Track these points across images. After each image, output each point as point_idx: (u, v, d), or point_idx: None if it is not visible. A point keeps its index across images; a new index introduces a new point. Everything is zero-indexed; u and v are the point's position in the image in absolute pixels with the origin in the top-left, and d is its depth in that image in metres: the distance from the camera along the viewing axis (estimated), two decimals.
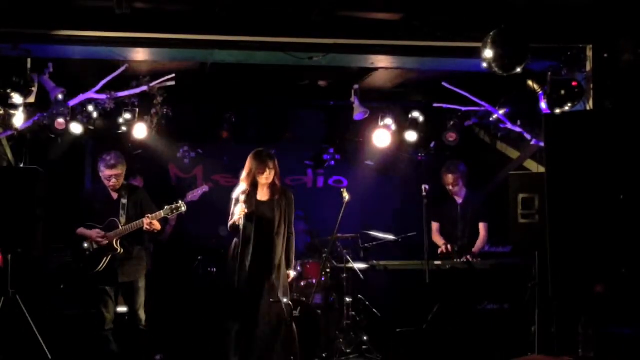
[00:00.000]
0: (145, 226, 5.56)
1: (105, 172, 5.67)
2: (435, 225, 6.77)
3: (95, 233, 5.61)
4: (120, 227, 5.62)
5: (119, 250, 5.61)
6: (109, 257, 5.61)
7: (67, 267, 6.26)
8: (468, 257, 6.35)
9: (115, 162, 5.66)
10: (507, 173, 5.99)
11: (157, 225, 5.66)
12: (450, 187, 6.67)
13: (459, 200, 6.73)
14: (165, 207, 5.63)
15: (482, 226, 6.62)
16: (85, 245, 5.63)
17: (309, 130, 7.97)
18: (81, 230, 5.68)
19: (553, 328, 5.15)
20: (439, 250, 6.56)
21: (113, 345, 5.67)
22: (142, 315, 5.71)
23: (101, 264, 5.60)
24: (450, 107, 6.93)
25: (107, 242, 5.58)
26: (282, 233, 5.41)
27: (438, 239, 6.71)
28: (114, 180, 5.67)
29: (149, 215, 5.58)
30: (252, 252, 5.26)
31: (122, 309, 5.88)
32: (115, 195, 5.76)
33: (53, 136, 6.34)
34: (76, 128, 6.34)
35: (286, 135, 8.10)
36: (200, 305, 6.98)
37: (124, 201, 5.71)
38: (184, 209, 5.64)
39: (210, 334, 6.60)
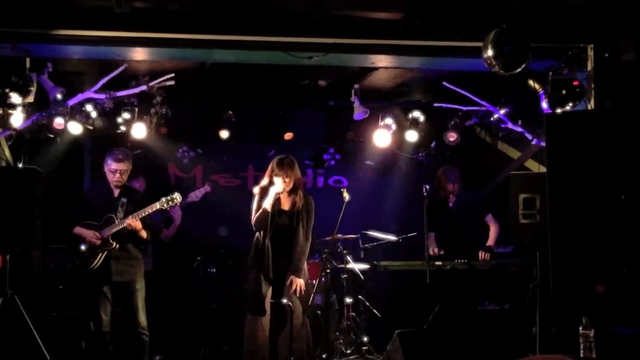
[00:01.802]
0: (127, 224, 5.53)
1: (112, 166, 5.65)
2: (431, 235, 6.71)
3: (91, 234, 5.58)
4: (115, 222, 5.60)
5: (114, 245, 5.56)
6: (104, 253, 5.56)
7: (66, 267, 6.23)
8: (484, 253, 6.33)
9: (123, 157, 5.66)
10: (508, 173, 5.97)
11: (141, 230, 5.58)
12: (451, 195, 6.68)
13: (450, 204, 6.72)
14: (161, 199, 5.59)
15: (488, 218, 6.64)
16: (82, 245, 5.61)
17: (309, 130, 7.95)
18: (78, 230, 5.65)
19: (554, 328, 5.13)
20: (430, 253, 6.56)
21: (110, 347, 5.63)
22: (141, 318, 5.59)
23: (96, 261, 5.55)
24: (451, 107, 6.92)
25: (100, 241, 5.56)
26: (300, 241, 5.34)
27: (432, 248, 6.71)
28: (118, 175, 5.65)
29: (134, 214, 5.54)
30: (272, 260, 5.24)
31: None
32: (116, 193, 5.74)
33: (52, 136, 6.32)
34: (75, 128, 6.33)
35: (286, 135, 8.07)
36: (200, 306, 6.96)
37: (124, 200, 5.68)
38: (178, 199, 5.60)
39: (209, 334, 6.59)
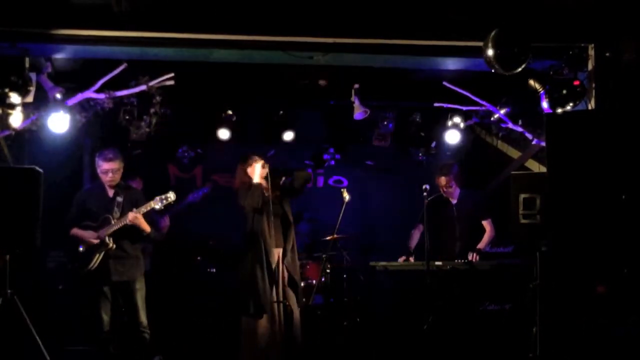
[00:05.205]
0: (130, 219, 5.49)
1: (102, 166, 5.62)
2: (419, 228, 6.68)
3: (88, 234, 5.57)
4: (112, 222, 5.58)
5: (111, 245, 5.52)
6: (102, 253, 5.52)
7: (66, 267, 6.21)
8: (474, 254, 6.31)
9: (113, 156, 5.62)
10: (508, 173, 5.96)
11: (144, 224, 5.56)
12: (444, 189, 6.62)
13: (454, 201, 6.69)
14: (155, 198, 5.55)
15: (486, 223, 6.57)
16: (80, 246, 5.60)
17: (309, 130, 7.94)
18: (75, 231, 5.64)
19: (554, 329, 5.13)
20: (401, 258, 6.50)
21: (111, 347, 5.62)
22: (142, 317, 5.58)
23: (93, 261, 5.51)
24: (451, 107, 6.90)
25: (98, 240, 5.54)
26: (291, 225, 5.62)
27: (411, 242, 6.67)
28: (110, 175, 5.62)
29: (135, 209, 5.51)
30: (268, 247, 5.45)
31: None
32: (111, 193, 5.70)
33: (51, 136, 6.30)
34: (74, 127, 6.30)
35: (286, 135, 8.07)
36: (200, 306, 6.95)
37: (120, 199, 5.65)
38: (172, 197, 5.55)
39: (209, 334, 6.59)
